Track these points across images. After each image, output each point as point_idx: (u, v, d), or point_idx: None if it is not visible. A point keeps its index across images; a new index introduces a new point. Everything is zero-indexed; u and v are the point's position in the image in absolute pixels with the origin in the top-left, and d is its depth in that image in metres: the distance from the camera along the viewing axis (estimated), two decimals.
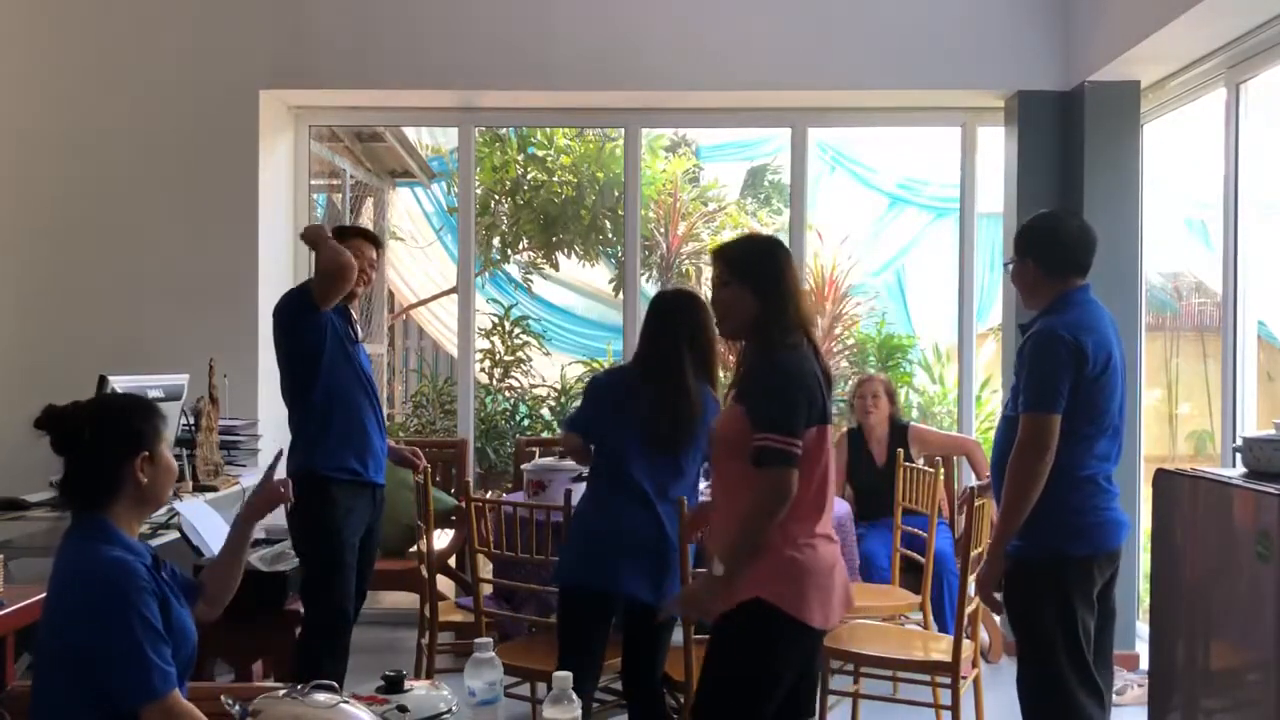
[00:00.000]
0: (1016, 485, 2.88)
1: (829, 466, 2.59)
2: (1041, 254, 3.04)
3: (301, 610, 3.68)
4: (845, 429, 5.34)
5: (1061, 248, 3.03)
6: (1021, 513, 2.87)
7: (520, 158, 8.29)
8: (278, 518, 4.72)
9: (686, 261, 8.38)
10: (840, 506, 4.19)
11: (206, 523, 3.85)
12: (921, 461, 4.65)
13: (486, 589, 3.76)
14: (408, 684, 1.98)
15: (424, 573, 4.09)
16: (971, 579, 3.47)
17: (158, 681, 1.98)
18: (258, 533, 4.27)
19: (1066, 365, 2.86)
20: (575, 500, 3.57)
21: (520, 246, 8.52)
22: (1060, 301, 2.99)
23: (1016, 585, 2.97)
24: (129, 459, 2.12)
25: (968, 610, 3.45)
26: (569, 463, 4.02)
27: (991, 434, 6.59)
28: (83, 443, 2.12)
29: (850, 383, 6.04)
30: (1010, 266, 3.16)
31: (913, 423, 5.27)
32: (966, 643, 3.49)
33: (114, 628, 1.98)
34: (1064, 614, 2.91)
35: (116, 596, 2.00)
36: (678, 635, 3.36)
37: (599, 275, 8.90)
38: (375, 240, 3.89)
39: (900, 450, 4.63)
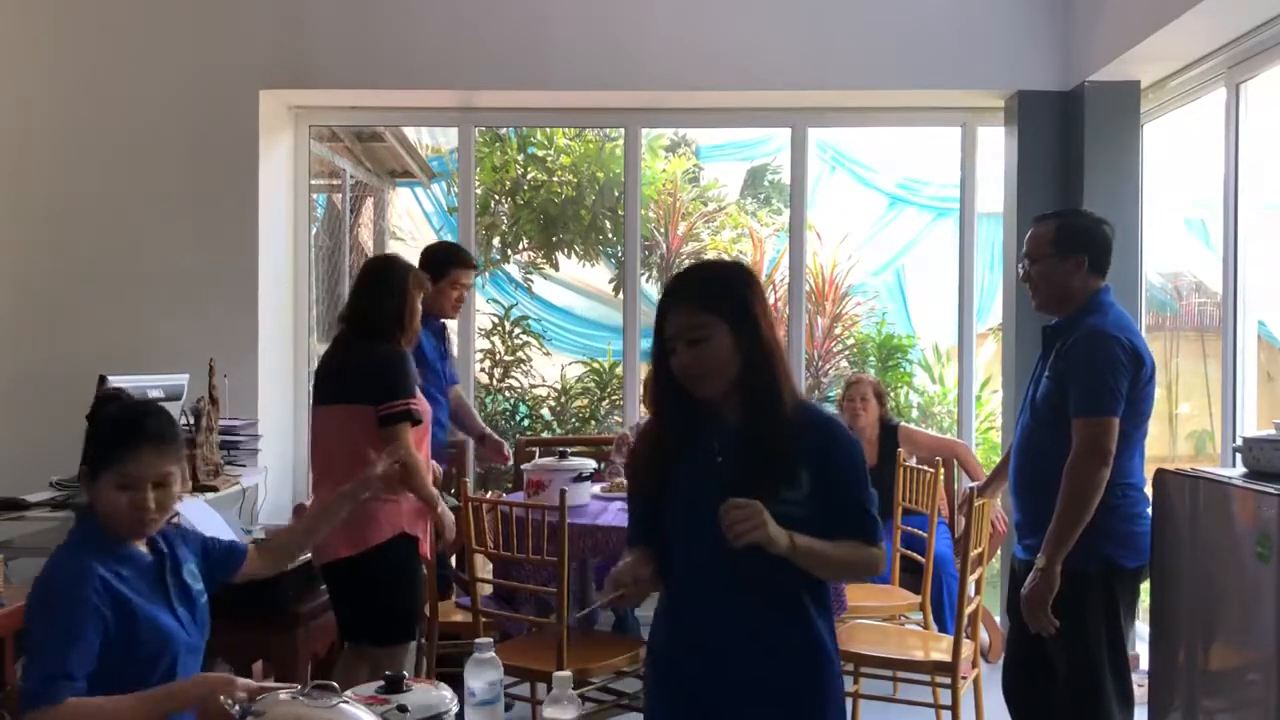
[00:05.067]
0: (1076, 495, 2.76)
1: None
2: (1094, 253, 2.96)
3: (303, 610, 3.68)
4: None
5: (1108, 245, 2.99)
6: (1081, 524, 2.76)
7: (520, 158, 8.28)
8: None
9: (686, 261, 8.36)
10: None
11: (207, 523, 3.84)
12: (914, 461, 4.63)
13: (485, 589, 3.76)
14: (408, 684, 1.98)
15: (424, 573, 4.08)
16: (972, 579, 3.47)
17: (45, 688, 1.94)
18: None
19: (1124, 366, 2.79)
20: (572, 500, 3.55)
21: (520, 246, 8.50)
22: (1095, 303, 2.93)
23: (1062, 599, 2.80)
24: None
25: (967, 610, 3.45)
26: (568, 463, 4.02)
27: (992, 434, 6.65)
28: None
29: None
30: (1034, 266, 3.00)
31: (903, 423, 5.25)
32: (966, 643, 3.49)
33: (35, 626, 2.00)
34: (1113, 631, 2.83)
35: (49, 596, 2.02)
36: None
37: (599, 275, 8.87)
38: (473, 265, 4.39)
39: (900, 451, 4.62)
